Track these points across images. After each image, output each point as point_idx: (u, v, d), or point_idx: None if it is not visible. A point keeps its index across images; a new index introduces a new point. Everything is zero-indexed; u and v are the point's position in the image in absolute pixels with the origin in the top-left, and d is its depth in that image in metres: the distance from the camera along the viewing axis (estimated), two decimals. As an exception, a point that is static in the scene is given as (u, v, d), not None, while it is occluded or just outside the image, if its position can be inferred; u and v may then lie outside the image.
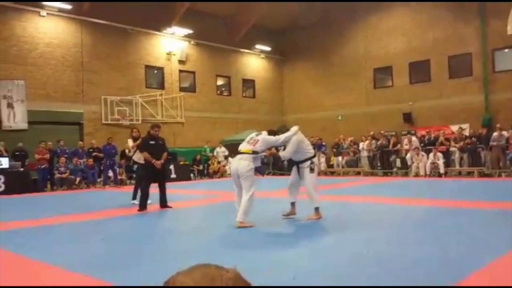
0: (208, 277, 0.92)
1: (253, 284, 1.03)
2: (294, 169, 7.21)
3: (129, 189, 15.23)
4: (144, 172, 9.06)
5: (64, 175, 15.90)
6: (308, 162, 6.93)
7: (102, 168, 16.92)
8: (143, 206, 8.63)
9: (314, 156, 7.25)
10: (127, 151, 17.94)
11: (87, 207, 9.86)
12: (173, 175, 17.74)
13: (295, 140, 6.87)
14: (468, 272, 3.67)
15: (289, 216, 7.04)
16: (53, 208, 10.26)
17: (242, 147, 6.87)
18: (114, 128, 19.37)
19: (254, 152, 6.66)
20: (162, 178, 9.08)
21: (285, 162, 21.48)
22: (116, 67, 19.98)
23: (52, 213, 9.11)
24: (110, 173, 16.83)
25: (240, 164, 6.58)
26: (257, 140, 6.79)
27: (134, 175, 10.26)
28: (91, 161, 16.71)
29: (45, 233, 6.64)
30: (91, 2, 18.63)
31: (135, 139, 10.13)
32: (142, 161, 9.94)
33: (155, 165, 8.76)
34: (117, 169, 17.05)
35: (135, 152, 9.93)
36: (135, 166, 9.96)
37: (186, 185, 16.15)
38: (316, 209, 6.85)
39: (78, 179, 16.31)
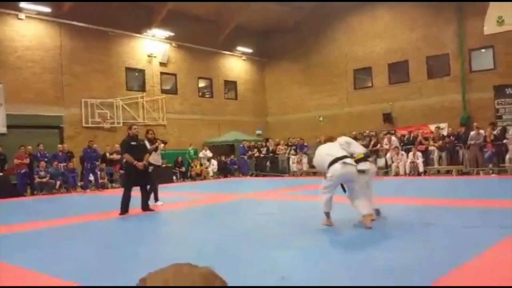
0: (179, 274, 0.97)
1: (230, 283, 1.08)
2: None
3: (111, 193, 15.23)
4: (125, 175, 9.03)
5: (44, 180, 15.71)
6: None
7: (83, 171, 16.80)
8: (124, 209, 8.59)
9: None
10: (107, 154, 17.93)
11: (67, 212, 9.80)
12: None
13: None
14: (449, 268, 3.75)
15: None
16: (33, 213, 10.15)
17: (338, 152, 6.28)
18: (95, 131, 19.23)
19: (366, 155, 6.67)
20: (143, 181, 9.05)
21: (268, 163, 21.64)
22: (97, 70, 19.82)
23: (32, 218, 9.02)
24: (91, 177, 16.69)
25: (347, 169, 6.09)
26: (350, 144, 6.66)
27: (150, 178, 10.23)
28: (71, 164, 16.55)
29: (24, 238, 6.58)
30: (70, 5, 18.45)
31: (150, 141, 10.09)
32: (158, 163, 10.21)
33: (137, 166, 8.73)
34: (98, 172, 16.92)
35: (150, 154, 9.87)
36: (150, 168, 9.83)
37: (168, 187, 16.11)
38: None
39: (58, 183, 16.12)
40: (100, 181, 16.96)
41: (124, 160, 9.35)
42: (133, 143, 8.97)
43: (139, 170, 8.76)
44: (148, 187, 9.45)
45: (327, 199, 6.10)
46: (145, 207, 8.96)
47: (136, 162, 8.72)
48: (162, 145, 10.65)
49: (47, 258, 5.05)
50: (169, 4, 21.09)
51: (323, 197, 6.13)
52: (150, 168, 9.92)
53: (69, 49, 19.01)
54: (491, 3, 19.26)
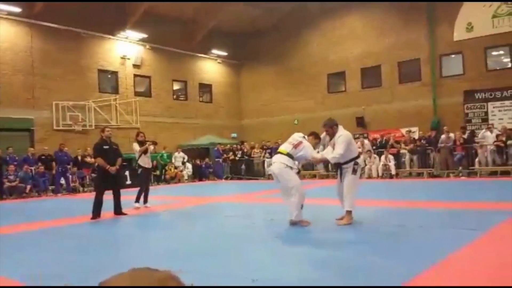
0: (136, 278, 0.98)
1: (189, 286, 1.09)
2: (339, 173, 6.67)
3: (82, 196, 14.97)
4: (98, 179, 8.91)
5: (13, 184, 15.34)
6: (352, 163, 6.40)
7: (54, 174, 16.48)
8: (96, 213, 8.47)
9: (358, 156, 6.63)
10: (79, 157, 17.64)
11: (37, 216, 9.60)
12: (128, 181, 17.48)
13: (347, 139, 6.31)
14: (418, 270, 3.81)
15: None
16: (2, 218, 9.90)
17: (281, 147, 6.62)
18: (66, 134, 18.89)
19: (289, 155, 6.39)
20: (116, 184, 8.94)
21: (243, 167, 21.64)
22: (68, 72, 19.49)
23: (1, 222, 8.79)
24: (63, 181, 16.39)
25: (275, 166, 6.42)
26: (300, 142, 6.47)
27: (139, 180, 10.56)
28: (42, 168, 16.22)
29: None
30: (41, 6, 18.11)
31: (141, 143, 10.13)
32: (148, 165, 10.25)
33: (110, 171, 8.63)
34: (70, 176, 16.64)
35: (140, 156, 10.04)
36: (140, 170, 10.14)
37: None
38: (348, 212, 6.37)
39: (28, 187, 15.77)
40: (71, 184, 16.67)
41: (97, 164, 9.23)
42: (105, 146, 8.85)
43: (111, 174, 8.65)
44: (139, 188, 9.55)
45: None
46: (118, 211, 8.86)
47: (108, 166, 8.62)
48: (152, 147, 10.62)
49: (8, 264, 4.93)
50: (143, 6, 20.93)
51: None
52: (140, 170, 10.15)
53: (40, 50, 18.65)
54: (461, 10, 19.81)
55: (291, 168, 6.34)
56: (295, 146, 6.43)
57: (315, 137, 6.70)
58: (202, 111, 25.67)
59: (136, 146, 10.16)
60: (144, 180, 10.33)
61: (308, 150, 6.46)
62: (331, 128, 6.45)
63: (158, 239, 6.36)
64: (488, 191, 10.85)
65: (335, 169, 6.81)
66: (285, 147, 6.54)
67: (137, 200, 10.04)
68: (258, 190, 14.54)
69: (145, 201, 10.12)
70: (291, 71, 25.37)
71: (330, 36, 24.02)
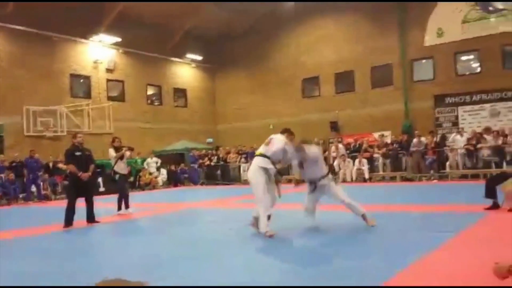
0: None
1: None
2: (310, 189, 6.55)
3: (54, 204, 14.63)
4: (70, 186, 8.73)
5: (-19, 191, 14.91)
6: (330, 176, 6.42)
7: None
8: (68, 221, 8.28)
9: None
10: (51, 164, 17.26)
11: (6, 225, 9.32)
12: (101, 188, 17.19)
13: (318, 154, 6.46)
14: (390, 274, 3.85)
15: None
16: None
17: (257, 150, 6.40)
18: (37, 140, 18.48)
19: (263, 156, 6.18)
20: (88, 191, 8.77)
21: (219, 172, 21.53)
22: (39, 76, 19.09)
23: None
24: (34, 188, 16.01)
25: (250, 170, 6.25)
26: (271, 139, 6.30)
27: (117, 186, 10.27)
28: (12, 175, 15.79)
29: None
30: (11, 8, 17.70)
31: (116, 149, 9.97)
32: (124, 171, 10.12)
33: (82, 177, 8.46)
34: (41, 183, 16.26)
35: (116, 162, 9.91)
36: (117, 176, 9.97)
37: (116, 198, 15.68)
38: (364, 216, 6.37)
39: (-2, 194, 15.35)
40: (43, 192, 16.30)
41: (68, 170, 9.04)
42: (77, 153, 8.67)
43: (83, 181, 8.48)
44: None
45: None
46: (91, 219, 8.69)
47: (80, 173, 8.45)
48: (128, 152, 10.46)
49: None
50: (116, 9, 20.67)
51: None
52: (117, 177, 10.00)
53: (9, 53, 18.24)
54: (432, 15, 20.26)
55: (266, 169, 6.14)
56: (267, 144, 6.32)
57: (289, 133, 6.47)
58: (177, 116, 25.49)
59: (112, 152, 10.00)
60: (123, 186, 10.21)
61: (279, 143, 6.23)
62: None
63: (132, 246, 6.26)
64: (459, 194, 11.07)
65: (310, 186, 6.51)
66: (260, 149, 6.44)
67: (119, 208, 9.95)
68: (234, 195, 14.49)
69: (127, 206, 10.00)
70: (266, 76, 25.46)
71: (304, 41, 24.22)
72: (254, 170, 6.23)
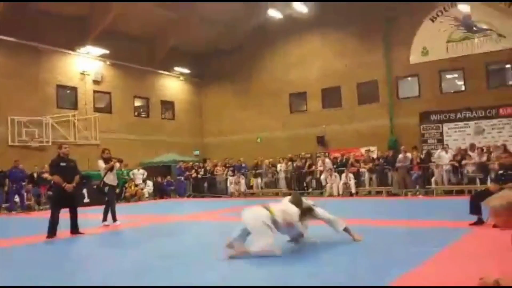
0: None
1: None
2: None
3: (38, 215, 14.39)
4: (54, 196, 8.62)
5: (-38, 202, 14.62)
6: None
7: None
8: (51, 232, 8.15)
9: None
10: (35, 174, 17.02)
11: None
12: (86, 199, 16.96)
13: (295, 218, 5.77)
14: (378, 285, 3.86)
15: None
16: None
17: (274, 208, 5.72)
18: (22, 151, 18.23)
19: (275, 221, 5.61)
20: (73, 202, 8.66)
21: (205, 184, 21.42)
22: (25, 86, 18.94)
23: None
24: (17, 198, 15.76)
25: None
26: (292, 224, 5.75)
27: (106, 198, 10.16)
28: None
29: None
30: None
31: (106, 161, 9.95)
32: (114, 183, 10.13)
33: (66, 188, 8.36)
34: (25, 194, 16.00)
35: (106, 174, 9.88)
36: (106, 188, 9.95)
37: (101, 209, 15.49)
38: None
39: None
40: (26, 202, 16.04)
41: (53, 181, 8.94)
42: (62, 163, 8.59)
43: (68, 192, 8.38)
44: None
45: None
46: (75, 230, 8.56)
47: (65, 184, 8.35)
48: (118, 164, 10.42)
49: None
50: (104, 22, 20.66)
51: None
52: (106, 188, 9.98)
53: (-6, 63, 18.07)
54: (417, 34, 20.64)
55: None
56: (288, 224, 5.72)
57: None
58: (164, 128, 25.40)
59: (101, 164, 9.99)
60: (113, 198, 10.19)
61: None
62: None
63: (114, 258, 6.17)
64: (445, 210, 11.16)
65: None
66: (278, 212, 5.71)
67: (105, 219, 9.89)
68: (221, 208, 14.41)
69: (114, 219, 9.92)
70: (253, 90, 25.59)
71: (292, 57, 24.43)
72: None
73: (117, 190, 19.32)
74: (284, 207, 5.84)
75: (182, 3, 21.71)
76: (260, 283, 4.37)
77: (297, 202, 5.97)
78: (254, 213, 5.70)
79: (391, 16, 21.16)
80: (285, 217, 5.60)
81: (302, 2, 21.63)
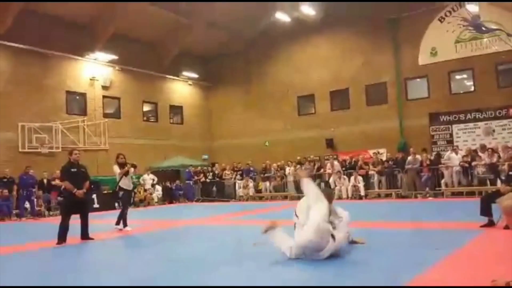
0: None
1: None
2: None
3: (48, 221, 14.49)
4: (64, 202, 8.68)
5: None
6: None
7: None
8: (62, 238, 8.19)
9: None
10: (45, 180, 17.14)
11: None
12: (96, 205, 17.05)
13: None
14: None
15: None
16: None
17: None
18: (32, 157, 18.37)
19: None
20: (83, 208, 8.70)
21: (214, 188, 21.46)
22: (35, 93, 19.11)
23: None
24: (27, 204, 15.87)
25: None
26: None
27: (120, 201, 10.54)
28: (5, 192, 15.65)
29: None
30: (8, 26, 17.77)
31: (121, 165, 10.02)
32: (129, 188, 10.25)
33: (77, 194, 8.41)
34: (35, 200, 16.11)
35: (121, 178, 9.97)
36: (121, 193, 10.08)
37: (110, 215, 15.56)
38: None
39: (-10, 211, 15.17)
40: (36, 208, 16.15)
41: (63, 187, 9.00)
42: (73, 169, 8.64)
43: (78, 198, 8.43)
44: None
45: None
46: (85, 235, 8.60)
47: (75, 190, 8.40)
48: (132, 169, 10.46)
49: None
50: (112, 28, 20.82)
51: None
52: (121, 193, 10.07)
53: (5, 70, 18.24)
54: (425, 35, 20.53)
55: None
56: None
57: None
58: (173, 132, 25.49)
59: (116, 169, 10.06)
60: (127, 202, 10.29)
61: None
62: None
63: (125, 264, 6.19)
64: (455, 211, 11.08)
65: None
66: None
67: (118, 223, 9.96)
68: (230, 212, 14.41)
69: (125, 224, 9.94)
70: (261, 94, 25.58)
71: (299, 59, 24.40)
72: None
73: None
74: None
75: (190, 8, 21.83)
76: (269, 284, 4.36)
77: (329, 197, 5.95)
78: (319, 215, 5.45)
79: (399, 17, 21.07)
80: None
81: (310, 3, 21.61)
